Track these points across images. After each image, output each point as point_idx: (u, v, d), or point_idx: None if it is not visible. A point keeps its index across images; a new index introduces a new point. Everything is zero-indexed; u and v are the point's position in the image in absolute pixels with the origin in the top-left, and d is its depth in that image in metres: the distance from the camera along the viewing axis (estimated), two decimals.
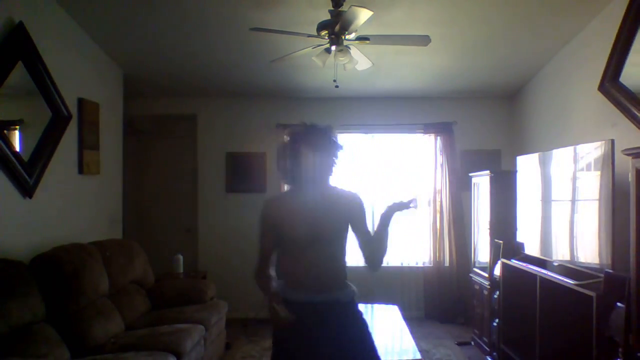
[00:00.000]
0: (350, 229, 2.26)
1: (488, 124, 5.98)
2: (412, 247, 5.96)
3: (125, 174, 5.23)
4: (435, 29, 4.01)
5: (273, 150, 5.87)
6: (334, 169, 2.24)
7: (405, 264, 5.93)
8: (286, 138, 2.25)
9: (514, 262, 4.03)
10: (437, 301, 5.78)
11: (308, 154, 2.15)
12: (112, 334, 3.45)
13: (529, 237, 4.11)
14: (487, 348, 4.55)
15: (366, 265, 2.29)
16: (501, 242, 4.39)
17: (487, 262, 4.65)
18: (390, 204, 2.23)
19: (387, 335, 3.70)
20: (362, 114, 5.92)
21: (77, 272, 3.34)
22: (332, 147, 2.21)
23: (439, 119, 5.87)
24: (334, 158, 2.22)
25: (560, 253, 3.61)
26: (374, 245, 2.25)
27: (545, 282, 3.51)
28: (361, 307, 2.70)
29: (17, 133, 3.54)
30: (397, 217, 2.23)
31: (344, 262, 2.26)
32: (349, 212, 2.23)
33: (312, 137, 2.18)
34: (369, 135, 5.99)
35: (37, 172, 3.55)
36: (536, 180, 4.02)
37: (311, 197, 2.19)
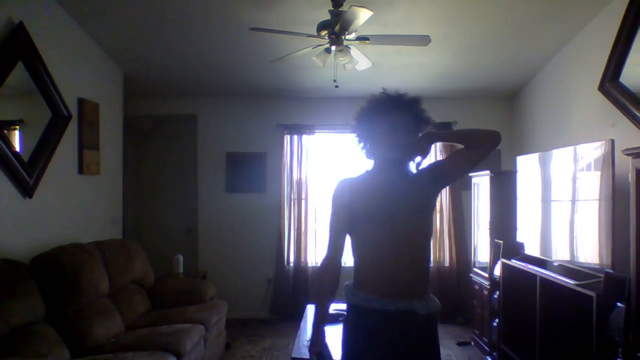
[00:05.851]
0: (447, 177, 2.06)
1: (488, 124, 5.86)
2: None
3: (125, 174, 5.23)
4: (435, 29, 4.01)
5: (273, 150, 5.91)
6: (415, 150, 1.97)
7: None
8: (373, 105, 1.95)
9: (514, 262, 4.03)
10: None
11: (395, 127, 1.93)
12: (112, 334, 3.45)
13: (528, 237, 4.11)
14: (487, 348, 4.55)
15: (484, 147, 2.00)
16: (501, 242, 4.39)
17: (487, 262, 4.65)
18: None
19: None
20: None
21: (77, 272, 3.34)
22: (421, 123, 1.98)
23: (439, 119, 5.85)
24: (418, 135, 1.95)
25: (560, 253, 3.61)
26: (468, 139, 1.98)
27: (545, 282, 3.51)
28: None
29: (17, 133, 3.54)
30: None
31: (427, 265, 1.88)
32: (428, 186, 1.95)
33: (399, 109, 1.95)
34: None
35: (37, 172, 3.55)
36: (536, 181, 4.01)
37: (390, 180, 1.88)
